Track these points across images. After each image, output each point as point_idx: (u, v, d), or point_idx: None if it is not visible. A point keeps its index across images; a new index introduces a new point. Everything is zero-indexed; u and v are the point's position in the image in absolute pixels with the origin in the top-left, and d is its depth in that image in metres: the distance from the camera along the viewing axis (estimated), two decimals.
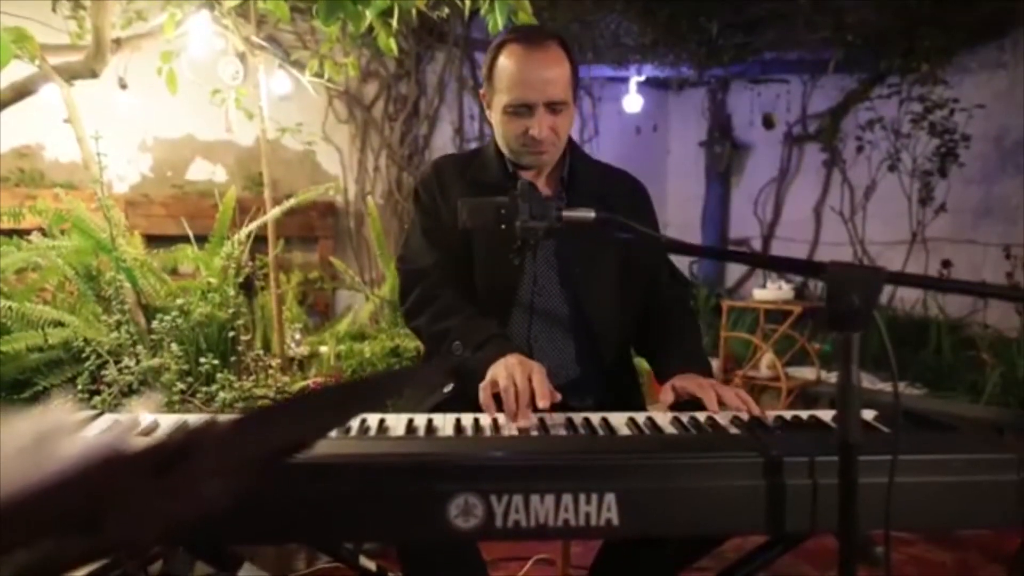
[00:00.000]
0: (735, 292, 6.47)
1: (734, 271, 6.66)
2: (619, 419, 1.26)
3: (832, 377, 3.81)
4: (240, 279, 2.48)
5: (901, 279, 1.09)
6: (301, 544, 2.12)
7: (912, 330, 4.99)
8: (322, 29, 2.62)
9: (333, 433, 1.14)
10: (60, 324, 2.28)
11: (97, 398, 2.18)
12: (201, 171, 4.63)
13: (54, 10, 3.12)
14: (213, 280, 2.48)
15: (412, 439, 1.17)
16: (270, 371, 2.47)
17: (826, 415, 1.29)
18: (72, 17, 3.09)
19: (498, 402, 1.29)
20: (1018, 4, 4.63)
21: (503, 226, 1.18)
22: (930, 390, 4.27)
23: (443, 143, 5.44)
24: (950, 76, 5.18)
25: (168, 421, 1.24)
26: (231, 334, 2.45)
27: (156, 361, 2.22)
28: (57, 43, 2.82)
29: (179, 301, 2.39)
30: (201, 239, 2.74)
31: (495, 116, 1.57)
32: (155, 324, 2.33)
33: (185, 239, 2.73)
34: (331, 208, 5.00)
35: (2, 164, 3.97)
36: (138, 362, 2.23)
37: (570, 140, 1.64)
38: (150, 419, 1.25)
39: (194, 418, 1.36)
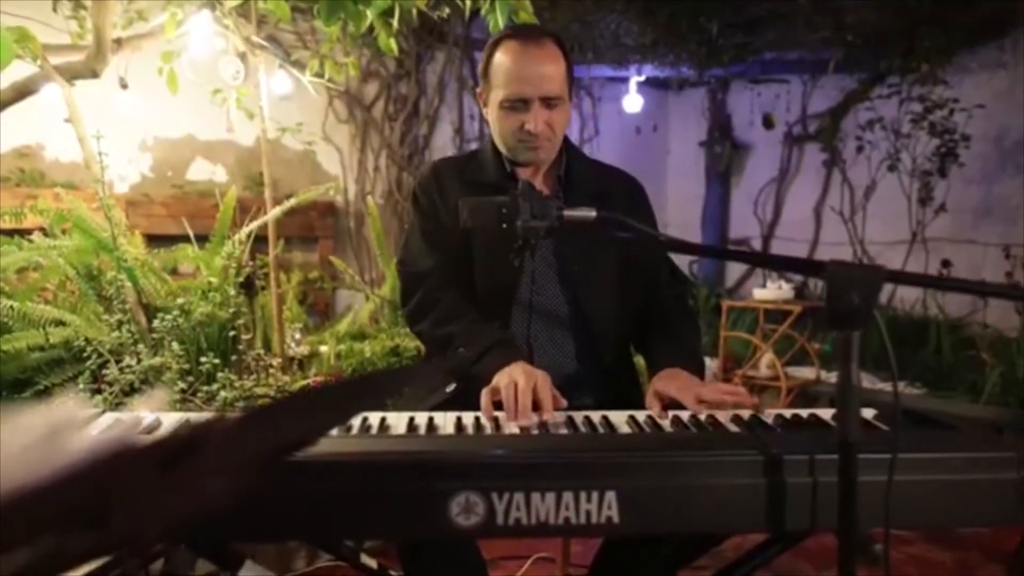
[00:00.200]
0: (735, 292, 6.48)
1: (734, 271, 6.67)
2: (619, 417, 1.26)
3: (832, 377, 3.81)
4: (241, 279, 2.48)
5: (901, 278, 1.09)
6: (303, 542, 2.12)
7: (912, 330, 5.00)
8: (322, 29, 2.63)
9: (335, 431, 1.15)
10: (61, 323, 2.28)
11: (98, 397, 2.18)
12: (201, 171, 4.63)
13: (55, 10, 3.12)
14: (214, 280, 2.49)
15: (413, 437, 1.18)
16: (270, 370, 2.47)
17: (826, 414, 1.30)
18: (73, 17, 3.09)
19: (499, 409, 1.30)
20: (1018, 4, 4.64)
21: (504, 225, 1.18)
22: (930, 390, 4.28)
23: (443, 143, 5.44)
24: (950, 76, 5.18)
25: (170, 419, 1.24)
26: (232, 333, 2.45)
27: (157, 360, 2.22)
28: (58, 43, 2.82)
29: (180, 300, 2.40)
30: (201, 239, 2.74)
31: (492, 113, 1.58)
32: (156, 323, 2.34)
33: (185, 239, 2.73)
34: (331, 208, 5.00)
35: (3, 164, 3.97)
36: (139, 361, 2.24)
37: (566, 139, 1.66)
38: (152, 418, 1.25)
39: (196, 417, 1.37)
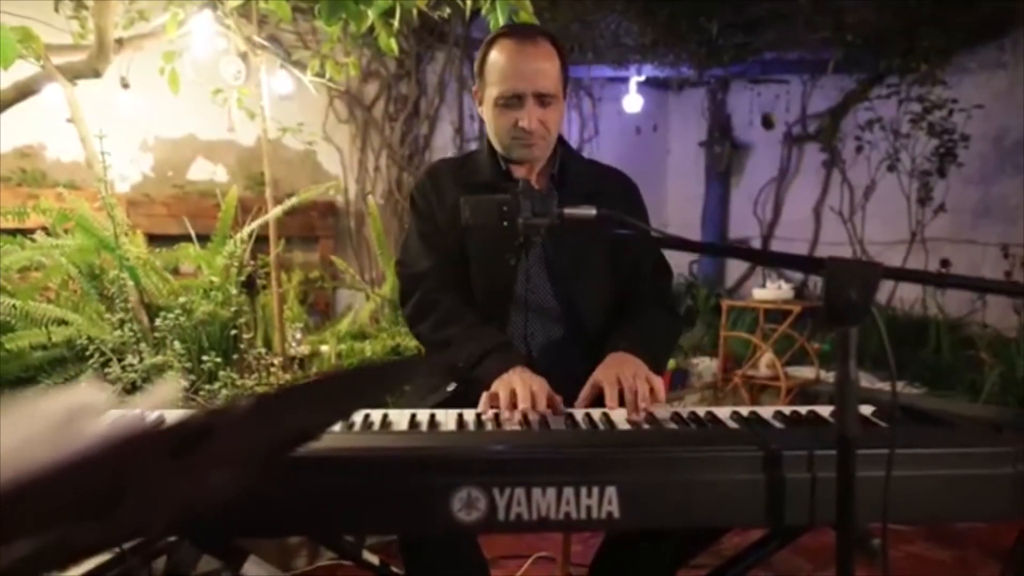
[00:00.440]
0: (735, 292, 6.49)
1: (734, 271, 6.68)
2: (619, 414, 1.27)
3: (831, 376, 3.82)
4: (242, 278, 2.49)
5: (898, 274, 1.10)
6: (305, 537, 2.13)
7: (911, 330, 5.01)
8: (323, 29, 2.64)
9: (337, 427, 1.16)
10: (64, 322, 2.29)
11: None
12: (202, 171, 4.64)
13: (56, 10, 3.12)
14: (215, 279, 2.50)
15: (415, 434, 1.19)
16: (272, 369, 2.49)
17: (824, 411, 1.31)
18: (74, 17, 3.09)
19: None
20: (1018, 4, 4.64)
21: (505, 223, 1.19)
22: (929, 389, 4.29)
23: (443, 143, 5.45)
24: (949, 76, 5.19)
25: (174, 417, 1.25)
26: (233, 332, 2.46)
27: (159, 359, 2.23)
28: (59, 43, 2.83)
29: (182, 299, 2.41)
30: (202, 238, 2.75)
31: (487, 111, 1.60)
32: (158, 322, 2.35)
33: (185, 238, 2.74)
34: (331, 208, 5.01)
35: (4, 164, 3.97)
36: (141, 360, 2.24)
37: (560, 138, 1.67)
38: (156, 415, 1.26)
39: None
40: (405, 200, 5.05)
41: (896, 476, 0.98)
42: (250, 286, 2.56)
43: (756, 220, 6.53)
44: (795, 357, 4.58)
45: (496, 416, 1.27)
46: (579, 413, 1.27)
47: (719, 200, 6.75)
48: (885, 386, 3.95)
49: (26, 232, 2.50)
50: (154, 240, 2.81)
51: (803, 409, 1.32)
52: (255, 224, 2.68)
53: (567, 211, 1.20)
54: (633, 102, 6.00)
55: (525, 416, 1.27)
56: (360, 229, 5.14)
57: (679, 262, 6.24)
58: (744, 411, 1.30)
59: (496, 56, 1.55)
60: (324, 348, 3.03)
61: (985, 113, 5.05)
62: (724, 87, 6.61)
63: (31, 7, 2.58)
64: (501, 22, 2.26)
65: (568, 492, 1.01)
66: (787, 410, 1.31)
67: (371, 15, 2.26)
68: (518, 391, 1.30)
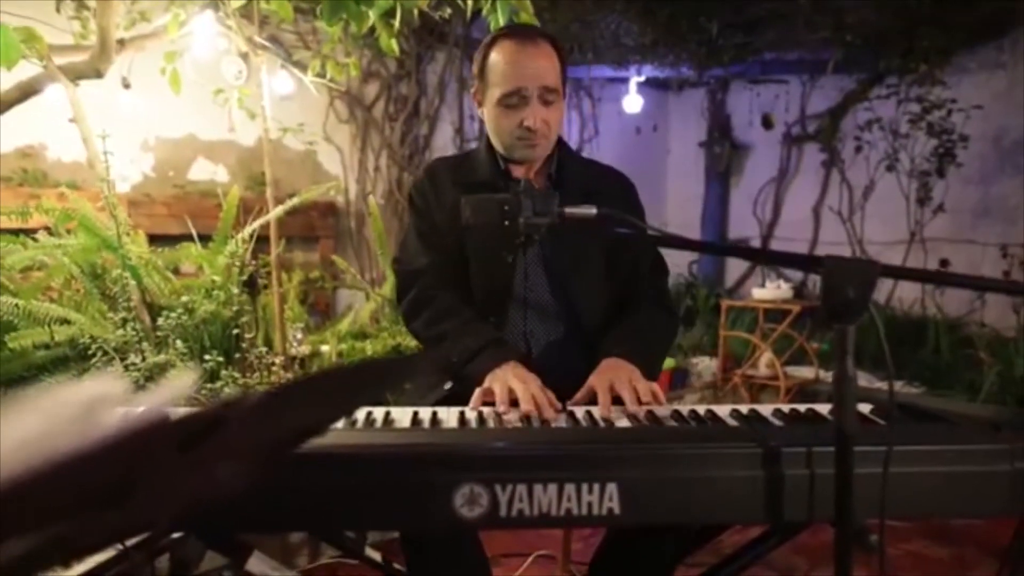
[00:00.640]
0: (734, 292, 6.50)
1: (733, 271, 6.69)
2: (619, 412, 1.28)
3: (830, 376, 3.84)
4: (244, 277, 2.50)
5: (895, 272, 1.11)
6: (309, 533, 2.13)
7: (911, 329, 5.02)
8: (324, 29, 2.65)
9: (340, 424, 1.16)
10: (66, 321, 2.30)
11: None
12: (203, 171, 4.65)
13: (58, 10, 3.13)
14: (217, 278, 2.51)
15: (418, 431, 1.20)
16: (273, 369, 2.49)
17: (823, 408, 1.32)
18: (76, 17, 3.10)
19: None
20: (1018, 4, 4.65)
21: (507, 222, 1.20)
22: (928, 388, 4.30)
23: (443, 143, 5.46)
24: (948, 76, 5.20)
25: (179, 415, 1.26)
26: (235, 332, 2.47)
27: (162, 358, 2.24)
28: (60, 43, 2.83)
29: (184, 299, 2.42)
30: (202, 238, 2.76)
31: (488, 112, 1.60)
32: (160, 321, 2.36)
33: (186, 238, 2.75)
34: (332, 208, 5.02)
35: (5, 164, 3.98)
36: (144, 359, 2.25)
37: (558, 138, 1.68)
38: (166, 409, 1.26)
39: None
40: (405, 200, 5.06)
41: (894, 472, 0.99)
42: (252, 286, 2.57)
43: (756, 220, 6.54)
44: (794, 357, 4.59)
45: (498, 414, 1.28)
46: (579, 411, 1.28)
47: (719, 200, 6.76)
48: (884, 386, 3.95)
49: (28, 232, 2.51)
50: (155, 240, 2.82)
51: (802, 407, 1.33)
52: (257, 223, 2.69)
53: (568, 210, 1.21)
54: (633, 102, 6.02)
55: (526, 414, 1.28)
56: (360, 229, 5.16)
57: (679, 262, 6.25)
58: (743, 409, 1.31)
59: (497, 56, 1.56)
60: (325, 348, 3.04)
61: (984, 113, 5.06)
62: (724, 87, 6.62)
63: (32, 7, 2.59)
64: (502, 23, 2.27)
65: (569, 488, 1.02)
66: (786, 408, 1.32)
67: (372, 16, 2.27)
68: (518, 391, 1.30)
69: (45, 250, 2.40)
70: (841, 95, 5.90)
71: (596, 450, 1.07)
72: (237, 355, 2.47)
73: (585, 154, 4.68)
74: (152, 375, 2.21)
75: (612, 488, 1.02)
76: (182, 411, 1.23)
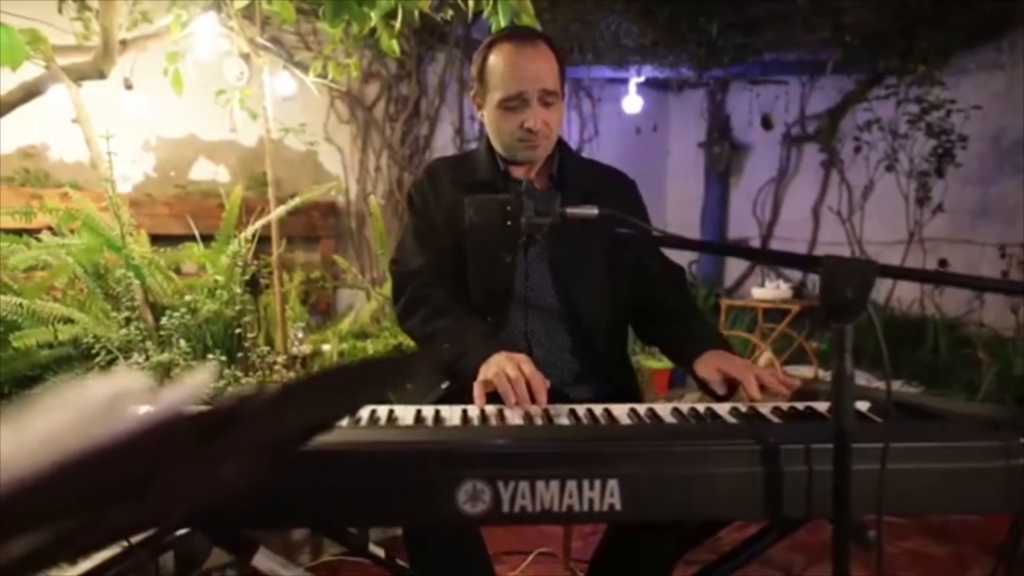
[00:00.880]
0: (734, 292, 6.52)
1: (733, 271, 6.70)
2: (620, 409, 1.30)
3: (829, 375, 3.86)
4: (246, 277, 2.51)
5: (893, 272, 1.12)
6: (313, 529, 2.15)
7: (909, 329, 5.04)
8: (325, 31, 2.66)
9: (344, 422, 1.18)
10: (70, 321, 2.31)
11: None
12: (204, 171, 4.66)
13: (60, 11, 3.14)
14: (220, 278, 2.52)
15: (421, 428, 1.21)
16: (275, 368, 2.51)
17: (822, 406, 1.33)
18: (78, 18, 3.11)
19: (492, 401, 1.33)
20: (1017, 4, 4.67)
21: (508, 223, 1.22)
22: (927, 388, 4.32)
23: (444, 143, 5.48)
24: (947, 77, 5.22)
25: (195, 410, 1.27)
26: (237, 331, 2.48)
27: (165, 357, 2.25)
28: (62, 44, 2.84)
29: (187, 298, 2.43)
30: (204, 239, 2.77)
31: (488, 115, 1.62)
32: (164, 321, 2.37)
33: (187, 238, 2.76)
34: (332, 208, 5.03)
35: (7, 164, 3.99)
36: (147, 358, 2.27)
37: (559, 138, 1.69)
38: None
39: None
40: (405, 200, 5.07)
41: (891, 469, 1.00)
42: (254, 285, 2.58)
43: (755, 220, 6.56)
44: (794, 356, 4.61)
45: (500, 411, 1.29)
46: (581, 408, 1.30)
47: (718, 200, 6.78)
48: (883, 385, 3.97)
49: (31, 232, 2.52)
50: (156, 240, 2.83)
51: (800, 405, 1.35)
52: (259, 223, 2.70)
53: (569, 210, 1.22)
54: (633, 103, 6.03)
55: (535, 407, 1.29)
56: (361, 229, 5.17)
57: (679, 261, 6.23)
58: (743, 407, 1.32)
59: (496, 59, 1.57)
60: (326, 347, 3.05)
61: (983, 114, 5.08)
62: (723, 88, 6.64)
63: (34, 8, 2.60)
64: (503, 24, 2.28)
65: (571, 485, 1.03)
66: (785, 406, 1.34)
67: (374, 17, 2.28)
68: (510, 374, 1.31)
69: (48, 250, 2.41)
70: (840, 96, 5.91)
71: (598, 447, 1.09)
72: (239, 354, 2.48)
73: (585, 154, 4.69)
74: (156, 374, 2.22)
75: (613, 484, 1.04)
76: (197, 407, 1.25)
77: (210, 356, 2.35)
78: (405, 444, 1.11)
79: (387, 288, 3.56)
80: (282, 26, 4.37)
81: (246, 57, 2.90)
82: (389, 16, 2.42)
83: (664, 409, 1.30)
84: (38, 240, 2.45)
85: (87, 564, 1.36)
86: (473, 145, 5.38)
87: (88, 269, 2.45)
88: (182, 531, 1.21)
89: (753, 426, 1.22)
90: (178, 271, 2.79)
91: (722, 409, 1.32)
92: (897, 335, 4.84)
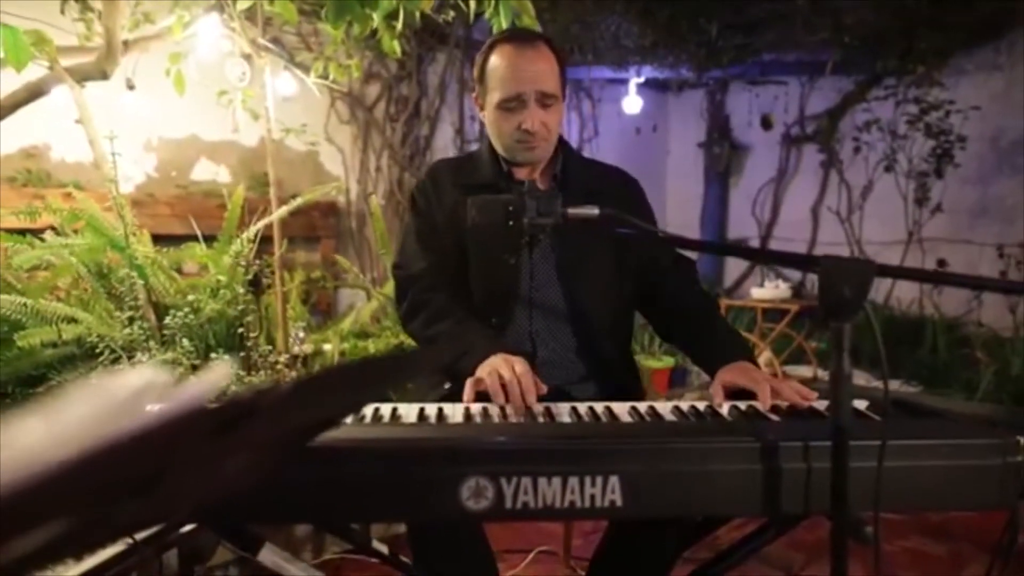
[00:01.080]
0: (733, 292, 6.53)
1: (732, 271, 6.72)
2: (621, 408, 1.31)
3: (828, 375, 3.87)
4: (249, 277, 2.52)
5: (893, 272, 1.14)
6: (318, 525, 2.16)
7: (908, 329, 5.05)
8: (326, 32, 2.67)
9: (349, 420, 1.19)
10: (74, 320, 2.32)
11: None
12: (205, 171, 4.67)
13: (62, 12, 3.15)
14: (222, 278, 2.53)
15: (424, 425, 1.22)
16: (277, 367, 2.52)
17: (820, 405, 1.34)
18: (80, 19, 3.12)
19: (481, 399, 1.34)
20: (1016, 5, 4.68)
21: (511, 223, 1.23)
22: (925, 388, 4.33)
23: (444, 144, 5.49)
24: (946, 78, 5.24)
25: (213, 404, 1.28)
26: (240, 331, 2.50)
27: (169, 356, 2.27)
28: (64, 44, 2.85)
29: (190, 298, 2.44)
30: (205, 239, 2.78)
31: (488, 115, 1.63)
32: (167, 320, 2.38)
33: (188, 239, 2.77)
34: (333, 208, 5.04)
35: (10, 164, 4.00)
36: (151, 357, 2.28)
37: (562, 139, 1.70)
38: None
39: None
40: (406, 200, 5.08)
41: (888, 466, 1.02)
42: (256, 285, 2.59)
43: (755, 220, 6.57)
44: (793, 356, 4.62)
45: (502, 409, 1.31)
46: (582, 406, 1.31)
47: (718, 200, 6.79)
48: (881, 385, 3.99)
49: (35, 232, 2.53)
50: (157, 240, 2.84)
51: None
52: (261, 223, 2.71)
53: (571, 211, 1.24)
54: (633, 103, 6.04)
55: (529, 408, 1.31)
56: (362, 229, 5.18)
57: None
58: (742, 405, 1.34)
59: (496, 61, 1.59)
60: (327, 346, 3.06)
61: (982, 114, 5.10)
62: (723, 88, 6.65)
63: (36, 8, 2.61)
64: (504, 25, 2.30)
65: (573, 481, 1.04)
66: (783, 404, 1.35)
67: (376, 18, 2.30)
68: (505, 376, 1.32)
69: (52, 250, 2.42)
70: (839, 96, 5.93)
71: (599, 444, 1.10)
72: (242, 354, 2.49)
73: (585, 155, 4.70)
74: None
75: (614, 481, 1.05)
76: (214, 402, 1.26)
77: (213, 356, 2.36)
78: (409, 441, 1.12)
79: (388, 288, 3.58)
80: (283, 27, 4.39)
81: (248, 58, 2.92)
82: (390, 17, 2.43)
83: (665, 407, 1.32)
84: (42, 240, 2.46)
85: (92, 561, 1.37)
86: (474, 146, 5.39)
87: (92, 269, 2.46)
88: (188, 527, 1.23)
89: (752, 424, 1.23)
90: (180, 271, 2.80)
91: (721, 407, 1.33)
92: (896, 335, 4.85)
